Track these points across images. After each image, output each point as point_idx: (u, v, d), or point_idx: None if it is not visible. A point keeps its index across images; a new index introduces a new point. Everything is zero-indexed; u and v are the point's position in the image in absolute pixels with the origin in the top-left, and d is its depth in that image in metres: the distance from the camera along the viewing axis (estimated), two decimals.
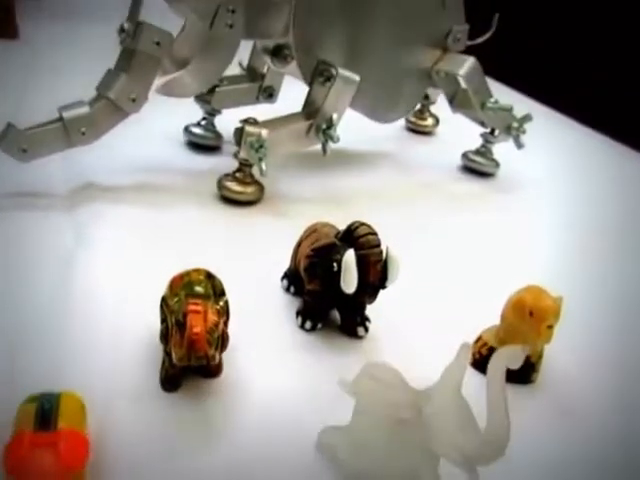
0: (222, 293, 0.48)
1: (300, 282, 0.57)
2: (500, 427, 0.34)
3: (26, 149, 0.66)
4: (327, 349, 0.55)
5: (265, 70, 0.88)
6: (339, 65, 0.74)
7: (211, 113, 0.87)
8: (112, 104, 0.68)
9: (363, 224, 0.52)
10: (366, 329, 0.56)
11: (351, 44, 0.78)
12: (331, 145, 0.74)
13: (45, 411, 0.37)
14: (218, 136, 0.89)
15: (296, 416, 0.47)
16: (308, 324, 0.56)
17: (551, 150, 1.08)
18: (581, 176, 1.01)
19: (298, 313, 0.57)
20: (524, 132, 0.89)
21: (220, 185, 0.75)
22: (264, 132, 0.69)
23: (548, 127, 1.13)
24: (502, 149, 0.93)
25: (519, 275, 0.64)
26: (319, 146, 0.75)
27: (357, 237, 0.51)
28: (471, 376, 0.50)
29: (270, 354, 0.53)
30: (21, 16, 1.25)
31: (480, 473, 0.37)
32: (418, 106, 1.02)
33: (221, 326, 0.45)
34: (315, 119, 0.74)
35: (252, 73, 0.89)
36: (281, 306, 0.59)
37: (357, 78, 0.75)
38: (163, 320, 0.46)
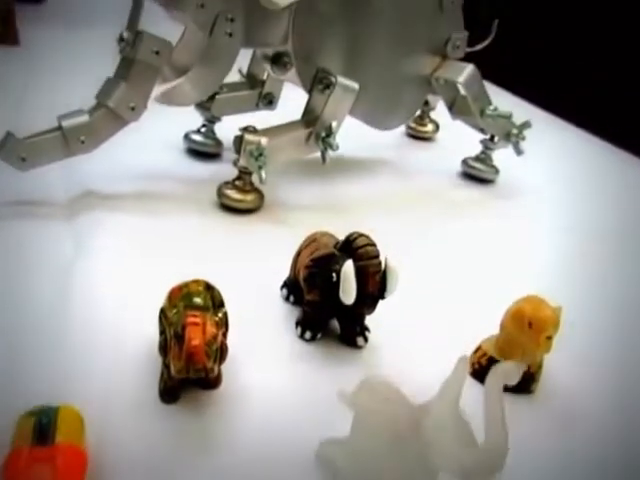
0: (221, 304, 0.48)
1: (300, 291, 0.57)
2: (498, 442, 0.34)
3: (25, 158, 0.66)
4: (327, 359, 0.55)
5: (265, 77, 0.88)
6: (338, 73, 0.74)
7: (211, 120, 0.87)
8: (111, 113, 0.68)
9: (362, 235, 0.52)
10: (365, 339, 0.56)
11: (350, 52, 0.78)
12: (331, 152, 0.74)
13: (43, 425, 0.37)
14: (218, 143, 0.89)
15: (295, 427, 0.47)
16: (308, 334, 0.56)
17: (551, 156, 1.08)
18: (581, 182, 1.01)
19: (298, 323, 0.57)
20: (523, 139, 0.89)
21: (220, 193, 0.75)
22: (263, 140, 0.69)
23: (548, 132, 1.12)
24: (502, 155, 0.93)
25: (519, 283, 0.64)
26: (319, 154, 0.75)
27: (356, 248, 0.51)
28: (471, 386, 0.50)
29: (269, 364, 0.53)
30: (21, 22, 1.25)
31: None
32: (418, 112, 1.02)
33: (220, 338, 0.45)
34: (314, 127, 0.74)
35: (252, 80, 0.89)
36: (280, 315, 0.59)
37: (356, 86, 0.75)
38: (162, 332, 0.46)
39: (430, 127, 1.08)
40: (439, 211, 0.84)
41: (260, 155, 0.69)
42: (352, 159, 0.93)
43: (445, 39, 0.86)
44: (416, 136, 1.08)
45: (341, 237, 0.55)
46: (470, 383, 0.52)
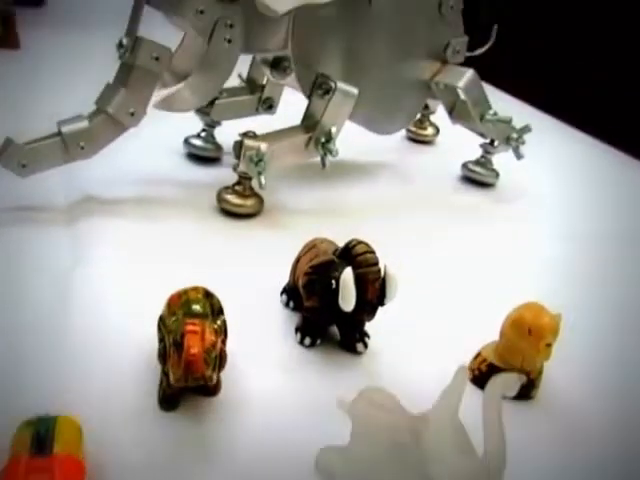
0: (220, 311, 0.48)
1: (299, 297, 0.57)
2: (496, 452, 0.34)
3: (25, 164, 0.66)
4: (326, 365, 0.55)
5: (264, 82, 0.88)
6: (338, 78, 0.74)
7: (211, 125, 0.87)
8: (111, 118, 0.68)
9: (361, 242, 0.52)
10: (365, 345, 0.56)
11: (350, 57, 0.78)
12: (331, 157, 0.74)
13: (41, 436, 0.37)
14: (218, 147, 0.89)
15: (295, 433, 0.47)
16: (307, 340, 0.56)
17: (551, 159, 1.08)
18: (582, 185, 1.01)
19: (297, 329, 0.57)
20: (523, 143, 0.89)
21: (219, 198, 0.75)
22: (263, 146, 0.69)
23: (548, 135, 1.12)
24: (502, 159, 0.93)
25: (519, 288, 0.64)
26: (319, 159, 0.75)
27: (355, 255, 0.51)
28: (471, 392, 0.50)
29: (269, 370, 0.53)
30: (22, 26, 1.25)
31: None
32: (418, 116, 1.02)
33: (219, 345, 0.45)
34: (314, 132, 0.74)
35: (251, 85, 0.89)
36: (280, 321, 0.59)
37: (356, 91, 0.75)
38: (161, 340, 0.46)
39: (430, 130, 1.08)
40: (439, 215, 0.84)
41: (260, 161, 0.69)
42: (352, 163, 0.93)
43: (445, 44, 0.86)
44: (416, 139, 1.08)
45: (341, 242, 0.55)
46: (470, 389, 0.52)
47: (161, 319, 0.46)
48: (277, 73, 0.79)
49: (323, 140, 0.74)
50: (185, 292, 0.48)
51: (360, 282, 0.50)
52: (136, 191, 0.77)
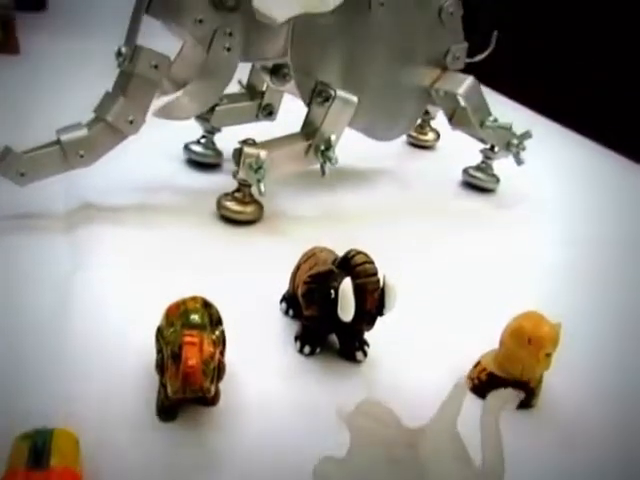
0: (219, 322, 0.48)
1: (299, 306, 0.57)
2: (494, 468, 0.34)
3: (24, 173, 0.66)
4: (325, 374, 0.54)
5: (264, 88, 0.88)
6: (337, 85, 0.74)
7: (211, 131, 0.87)
8: (110, 127, 0.68)
9: (360, 252, 0.52)
10: (365, 354, 0.56)
11: (349, 64, 0.78)
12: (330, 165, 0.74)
13: (38, 449, 0.37)
14: (218, 154, 0.88)
15: (294, 443, 0.47)
16: (307, 349, 0.56)
17: (552, 164, 1.08)
18: (583, 190, 1.01)
19: (297, 338, 0.57)
20: (524, 149, 0.88)
21: (219, 205, 0.75)
22: (263, 153, 0.69)
23: (549, 140, 1.12)
24: (502, 164, 0.93)
25: (519, 296, 0.65)
26: (318, 166, 0.75)
27: (354, 265, 0.51)
28: (471, 401, 0.49)
29: (268, 378, 0.53)
30: (22, 31, 1.25)
31: None
32: (418, 121, 1.02)
33: (217, 356, 0.44)
34: (314, 140, 0.74)
35: (251, 91, 0.89)
36: (280, 329, 0.59)
37: (355, 99, 0.75)
38: (159, 351, 0.46)
39: (431, 136, 1.08)
40: (439, 221, 0.84)
41: (259, 168, 0.69)
42: (352, 168, 0.93)
43: (445, 51, 0.86)
44: (417, 145, 1.08)
45: (342, 249, 0.55)
46: (470, 398, 0.52)
47: (159, 330, 0.46)
48: (277, 80, 0.79)
49: (323, 148, 0.74)
50: (183, 302, 0.48)
51: (359, 292, 0.50)
52: (135, 197, 0.77)
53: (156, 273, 0.63)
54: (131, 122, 0.68)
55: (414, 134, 1.07)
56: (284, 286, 0.61)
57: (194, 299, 0.48)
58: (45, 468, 0.36)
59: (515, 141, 0.88)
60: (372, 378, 0.55)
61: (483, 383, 0.53)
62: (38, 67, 1.17)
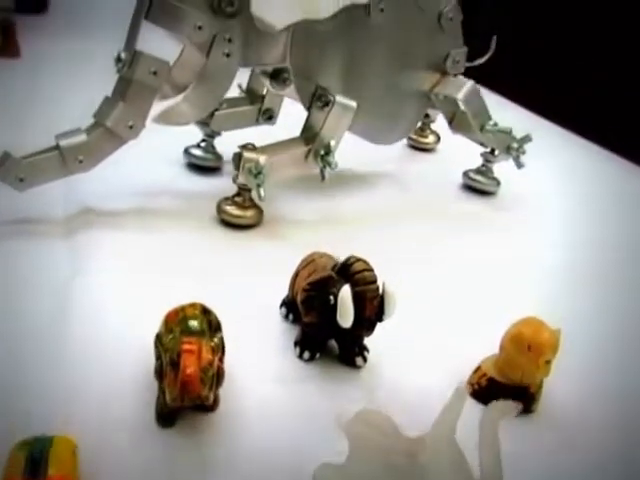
0: (218, 328, 0.48)
1: (298, 311, 0.57)
2: (493, 478, 0.34)
3: (23, 178, 0.66)
4: (325, 379, 0.54)
5: (264, 92, 0.88)
6: (337, 90, 0.74)
7: (211, 135, 0.87)
8: (109, 132, 0.68)
9: (359, 259, 0.52)
10: (364, 359, 0.56)
11: (349, 69, 0.78)
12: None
13: (35, 458, 0.37)
14: (218, 157, 0.88)
15: (294, 448, 0.47)
16: (306, 354, 0.56)
17: (553, 166, 1.07)
18: (585, 193, 1.01)
19: (296, 343, 0.57)
20: (524, 153, 0.88)
21: (219, 209, 0.75)
22: (262, 158, 0.69)
23: (549, 142, 1.12)
24: (503, 167, 0.93)
25: (519, 300, 0.65)
26: (318, 171, 0.75)
27: (353, 273, 0.51)
28: (471, 407, 0.49)
29: (268, 383, 0.53)
30: (22, 33, 1.25)
31: None
32: (419, 124, 1.02)
33: (216, 363, 0.44)
34: (313, 144, 0.74)
35: (251, 95, 0.89)
36: (279, 334, 0.59)
37: (354, 105, 0.75)
38: (158, 357, 0.46)
39: (431, 138, 1.08)
40: (440, 225, 0.83)
41: (259, 173, 0.69)
42: (352, 171, 0.93)
43: (444, 55, 0.86)
44: (417, 147, 1.08)
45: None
46: (470, 403, 0.52)
47: (158, 337, 0.46)
48: (276, 84, 0.79)
49: (322, 153, 0.74)
50: (182, 309, 0.48)
51: (358, 300, 0.50)
52: (135, 202, 0.77)
53: (156, 277, 0.63)
54: (131, 127, 0.68)
55: (414, 136, 1.07)
56: (284, 290, 0.60)
57: (193, 305, 0.48)
58: (42, 478, 0.36)
59: (515, 145, 0.88)
60: (372, 383, 0.54)
61: (483, 388, 0.53)
62: (38, 70, 1.17)
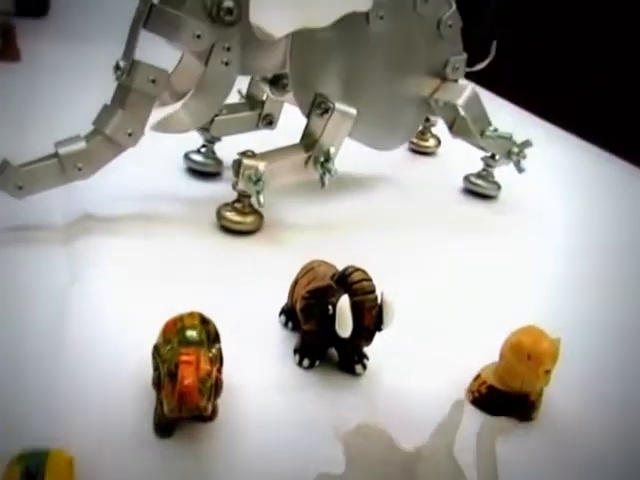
0: (216, 338, 0.48)
1: (298, 318, 0.57)
2: None
3: (22, 186, 0.66)
4: (325, 387, 0.54)
5: (264, 98, 0.88)
6: (337, 97, 0.74)
7: (211, 140, 0.87)
8: (108, 139, 0.68)
9: (357, 269, 0.52)
10: (364, 367, 0.56)
11: (348, 76, 0.78)
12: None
13: (31, 472, 0.36)
14: (218, 163, 0.88)
15: (293, 457, 0.46)
16: (306, 362, 0.55)
17: (554, 169, 1.07)
18: (586, 197, 1.00)
19: (296, 351, 0.56)
20: (524, 157, 0.88)
21: (219, 215, 0.75)
22: (261, 165, 0.69)
23: (550, 145, 1.12)
24: (504, 171, 0.93)
25: (519, 307, 0.65)
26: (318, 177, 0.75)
27: (351, 283, 0.51)
28: (471, 415, 0.49)
29: (267, 391, 0.53)
30: (22, 37, 1.25)
31: None
32: (419, 128, 1.02)
33: (214, 374, 0.44)
34: (313, 151, 0.74)
35: (251, 101, 0.89)
36: (279, 342, 0.59)
37: (354, 112, 0.75)
38: (155, 368, 0.46)
39: (432, 142, 1.08)
40: (440, 229, 0.83)
41: (258, 180, 0.69)
42: (352, 175, 0.93)
43: (444, 62, 0.86)
44: (418, 151, 1.08)
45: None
46: (470, 411, 0.52)
47: (156, 348, 0.46)
48: (276, 90, 0.79)
49: (322, 159, 0.74)
50: (180, 318, 0.48)
51: (357, 310, 0.50)
52: (134, 207, 0.77)
53: (155, 284, 0.63)
54: (130, 135, 0.68)
55: (415, 140, 1.07)
56: (284, 297, 0.60)
57: (191, 315, 0.48)
58: None
59: (515, 150, 0.88)
60: (371, 391, 0.54)
61: (483, 396, 0.53)
62: (39, 74, 1.17)
